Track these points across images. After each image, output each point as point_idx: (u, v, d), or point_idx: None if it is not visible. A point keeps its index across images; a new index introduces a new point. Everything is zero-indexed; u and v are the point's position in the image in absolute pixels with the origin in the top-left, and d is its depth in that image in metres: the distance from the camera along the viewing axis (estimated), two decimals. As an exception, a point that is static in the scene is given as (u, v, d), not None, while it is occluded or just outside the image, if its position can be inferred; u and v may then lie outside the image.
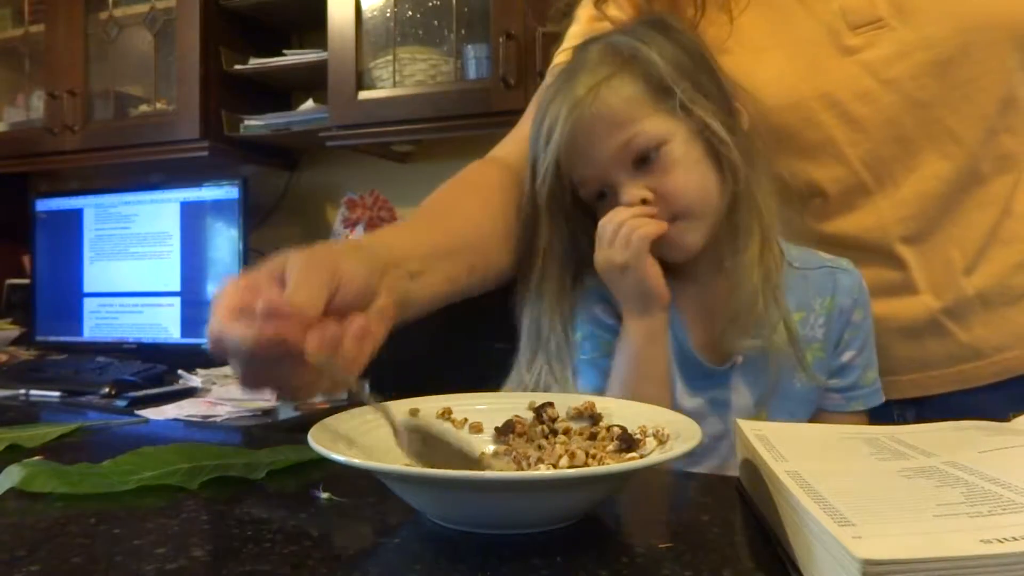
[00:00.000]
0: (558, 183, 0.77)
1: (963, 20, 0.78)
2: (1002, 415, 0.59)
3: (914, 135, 0.80)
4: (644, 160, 0.74)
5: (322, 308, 0.47)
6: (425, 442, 0.52)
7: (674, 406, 0.75)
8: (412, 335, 1.05)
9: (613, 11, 0.85)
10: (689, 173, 0.75)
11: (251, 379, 0.51)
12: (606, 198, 0.77)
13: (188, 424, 1.19)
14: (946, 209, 0.81)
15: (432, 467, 0.49)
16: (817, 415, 0.82)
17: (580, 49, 0.79)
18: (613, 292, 0.76)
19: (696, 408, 0.78)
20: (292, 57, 1.97)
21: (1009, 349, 0.81)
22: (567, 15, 0.90)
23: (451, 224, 0.74)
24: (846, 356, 0.80)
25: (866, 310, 0.81)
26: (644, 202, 0.74)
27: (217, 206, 1.98)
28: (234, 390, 1.52)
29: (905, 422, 0.83)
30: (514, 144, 0.87)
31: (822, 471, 0.43)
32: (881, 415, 0.81)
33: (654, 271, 0.73)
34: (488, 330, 1.05)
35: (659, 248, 0.74)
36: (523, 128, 0.88)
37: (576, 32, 0.88)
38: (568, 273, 0.80)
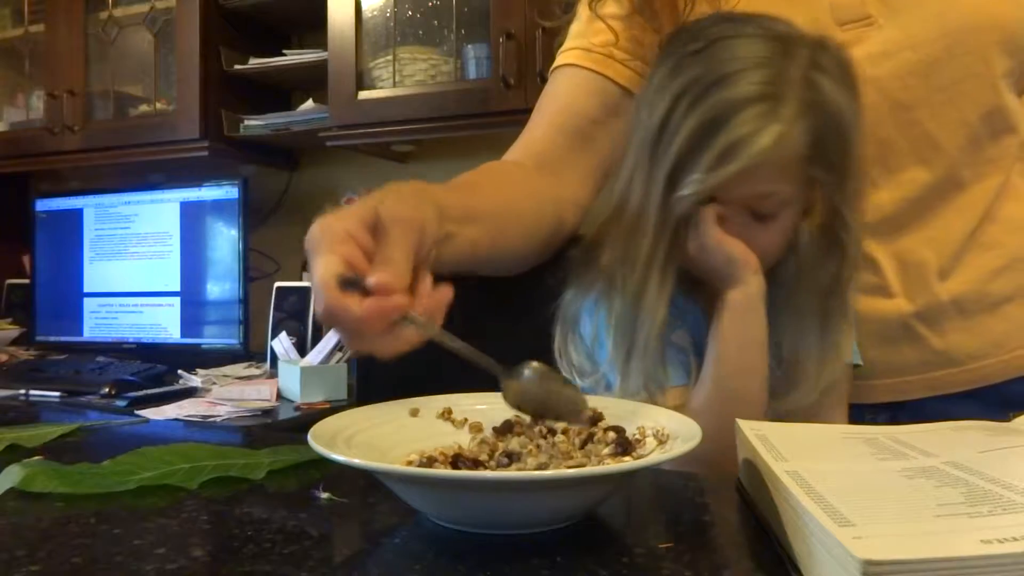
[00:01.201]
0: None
1: (950, 22, 0.77)
2: None
3: (894, 137, 0.79)
4: (763, 216, 0.71)
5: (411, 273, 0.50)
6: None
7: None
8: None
9: (611, 8, 0.84)
10: (782, 239, 0.73)
11: (357, 342, 0.52)
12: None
13: (188, 424, 1.19)
14: (922, 213, 0.80)
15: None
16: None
17: (779, 66, 0.69)
18: (706, 275, 0.74)
19: None
20: (292, 57, 1.97)
21: (985, 357, 0.80)
22: (567, 12, 0.89)
23: (474, 195, 0.74)
24: None
25: None
26: None
27: (217, 206, 1.98)
28: (234, 390, 1.53)
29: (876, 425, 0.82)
30: (520, 151, 0.86)
31: (822, 471, 0.43)
32: (853, 419, 0.80)
33: (733, 240, 0.71)
34: (488, 330, 1.05)
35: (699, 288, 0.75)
36: (532, 134, 0.86)
37: (578, 31, 0.87)
38: (668, 284, 0.74)
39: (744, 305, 0.72)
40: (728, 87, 0.68)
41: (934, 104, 0.78)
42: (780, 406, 0.74)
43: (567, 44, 0.87)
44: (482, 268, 0.73)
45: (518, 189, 0.80)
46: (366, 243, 0.52)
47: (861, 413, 0.82)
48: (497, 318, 1.04)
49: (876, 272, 0.81)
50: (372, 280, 0.48)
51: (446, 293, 0.54)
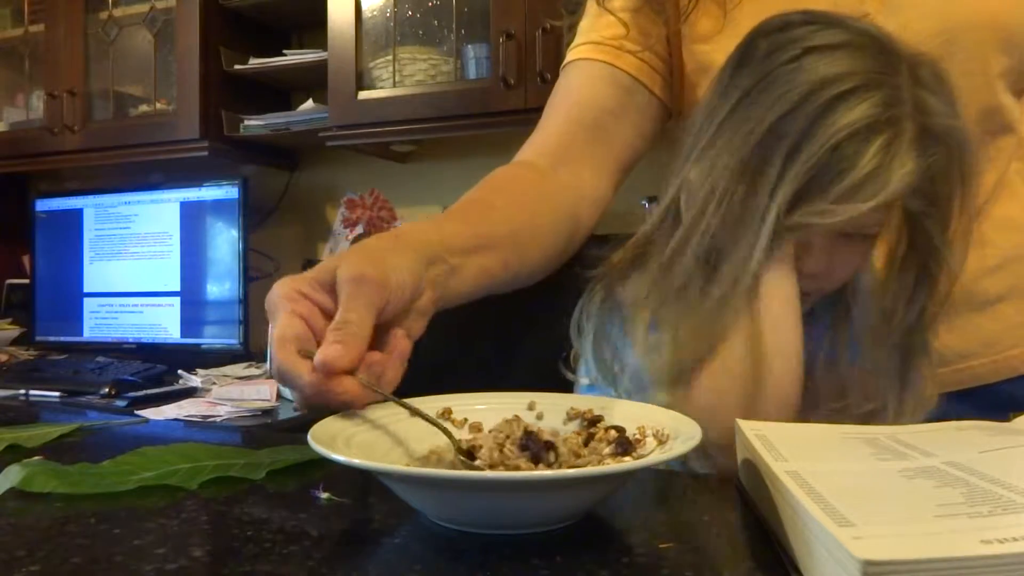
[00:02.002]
0: None
1: (949, 19, 0.76)
2: None
3: None
4: (849, 235, 0.67)
5: (371, 332, 0.51)
6: None
7: None
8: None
9: (619, 2, 0.84)
10: (861, 261, 0.70)
11: (308, 405, 0.54)
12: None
13: (188, 424, 1.19)
14: None
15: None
16: None
17: (890, 84, 0.63)
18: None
19: None
20: (292, 57, 1.97)
21: (975, 357, 0.79)
22: (573, 12, 0.89)
23: (485, 219, 0.72)
24: None
25: None
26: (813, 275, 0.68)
27: (217, 206, 1.98)
28: (234, 390, 1.53)
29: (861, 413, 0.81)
30: (534, 148, 0.85)
31: (822, 471, 0.43)
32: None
33: None
34: (488, 331, 1.05)
35: None
36: (547, 130, 0.85)
37: (587, 27, 0.86)
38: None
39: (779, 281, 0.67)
40: (843, 111, 0.62)
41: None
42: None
43: (577, 40, 0.87)
44: (499, 290, 0.72)
45: (533, 203, 0.78)
46: (323, 302, 0.53)
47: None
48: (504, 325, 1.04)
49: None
50: (317, 359, 0.50)
51: (403, 351, 0.54)
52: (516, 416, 0.61)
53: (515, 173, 0.82)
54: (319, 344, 0.51)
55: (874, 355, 0.70)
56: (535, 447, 0.51)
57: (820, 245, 0.67)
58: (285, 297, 0.53)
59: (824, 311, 0.76)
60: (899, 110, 0.62)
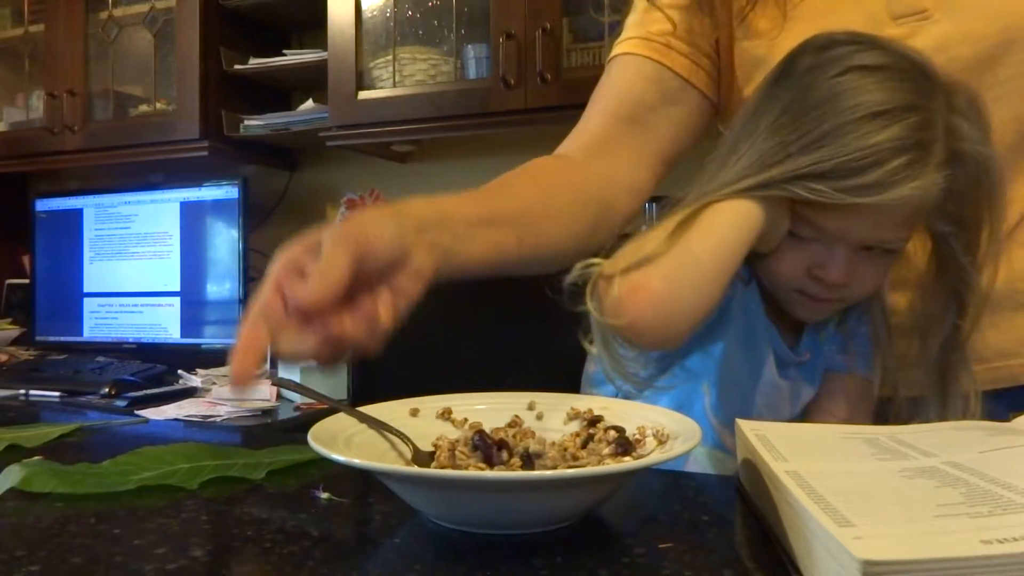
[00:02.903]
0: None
1: (1008, 17, 0.74)
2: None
3: None
4: (871, 247, 0.70)
5: (346, 282, 0.49)
6: None
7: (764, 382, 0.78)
8: (411, 335, 1.05)
9: None
10: (882, 277, 0.74)
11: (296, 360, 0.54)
12: (808, 241, 0.71)
13: (188, 424, 1.19)
14: None
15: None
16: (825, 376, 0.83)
17: (926, 110, 0.65)
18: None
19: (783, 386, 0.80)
20: (292, 57, 1.97)
21: (1013, 356, 0.79)
22: (619, 10, 0.90)
23: (497, 198, 0.72)
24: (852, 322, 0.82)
25: None
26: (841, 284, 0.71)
27: (217, 206, 1.98)
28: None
29: (901, 421, 0.82)
30: (572, 141, 0.84)
31: (822, 471, 0.43)
32: (877, 414, 0.80)
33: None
34: (487, 332, 1.05)
35: (798, 304, 0.74)
36: (586, 123, 0.84)
37: (635, 21, 0.86)
38: None
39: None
40: (877, 129, 0.63)
41: (986, 101, 0.76)
42: None
43: (624, 34, 0.86)
44: (519, 269, 0.70)
45: (553, 182, 0.78)
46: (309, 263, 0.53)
47: (884, 409, 0.80)
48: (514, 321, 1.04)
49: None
50: (289, 294, 0.51)
51: (383, 316, 0.52)
52: (516, 416, 0.61)
53: (542, 160, 0.81)
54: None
55: (907, 376, 0.73)
56: (486, 447, 0.51)
57: (843, 256, 0.69)
58: (278, 270, 0.54)
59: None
60: (931, 133, 0.64)
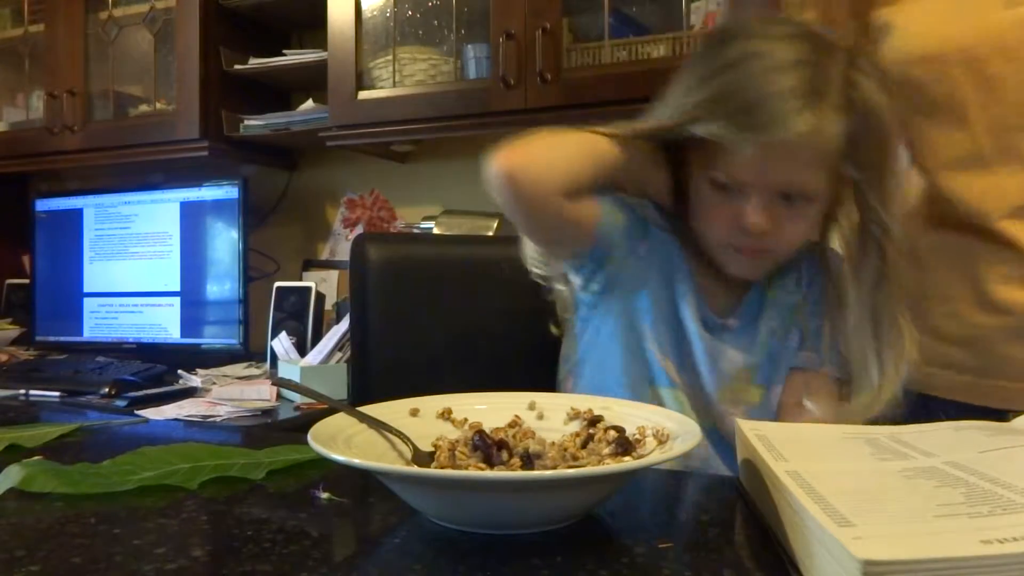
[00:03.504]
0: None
1: None
2: None
3: None
4: (789, 197, 0.77)
5: None
6: None
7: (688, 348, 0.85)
8: (411, 335, 1.05)
9: None
10: (809, 228, 0.81)
11: None
12: (726, 191, 0.79)
13: (188, 424, 1.19)
14: None
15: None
16: (789, 376, 0.87)
17: (822, 64, 0.73)
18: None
19: (700, 353, 0.85)
20: (292, 57, 1.97)
21: None
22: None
23: None
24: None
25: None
26: (764, 233, 0.77)
27: (217, 206, 1.98)
28: (234, 390, 1.53)
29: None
30: None
31: (822, 471, 0.43)
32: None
33: None
34: (485, 333, 1.05)
35: (730, 259, 0.82)
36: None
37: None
38: None
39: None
40: (776, 76, 0.72)
41: None
42: (846, 413, 0.78)
43: None
44: None
45: None
46: None
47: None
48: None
49: (1013, 250, 0.79)
50: None
51: None
52: (516, 416, 0.61)
53: None
54: None
55: (847, 321, 0.80)
56: (486, 447, 0.51)
57: (759, 201, 0.76)
58: None
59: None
60: (827, 83, 0.73)
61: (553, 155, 0.79)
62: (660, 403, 0.82)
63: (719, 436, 0.83)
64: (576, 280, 0.89)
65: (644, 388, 0.84)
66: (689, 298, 0.85)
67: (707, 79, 0.76)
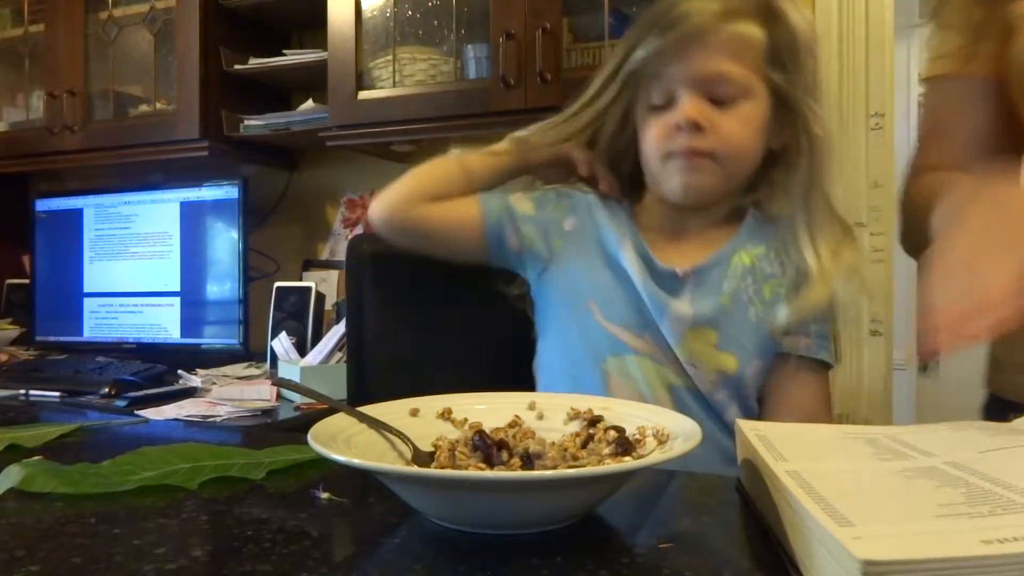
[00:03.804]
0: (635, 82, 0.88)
1: None
2: None
3: None
4: (721, 101, 0.83)
5: None
6: None
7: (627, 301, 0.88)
8: (410, 335, 1.05)
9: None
10: (746, 129, 0.84)
11: None
12: (665, 110, 0.85)
13: (188, 424, 1.19)
14: None
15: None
16: (778, 362, 0.88)
17: None
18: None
19: (649, 295, 0.87)
20: (292, 57, 1.97)
21: None
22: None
23: None
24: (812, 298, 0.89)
25: None
26: (698, 127, 0.82)
27: (217, 206, 1.98)
28: (234, 390, 1.53)
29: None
30: (942, 149, 0.85)
31: (822, 471, 0.43)
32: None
33: None
34: (484, 333, 1.05)
35: (675, 172, 0.85)
36: (953, 132, 0.85)
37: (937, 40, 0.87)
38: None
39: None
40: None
41: None
42: (797, 312, 0.85)
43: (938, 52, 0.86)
44: None
45: None
46: None
47: None
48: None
49: None
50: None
51: None
52: (516, 416, 0.61)
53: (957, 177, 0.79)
54: None
55: (790, 216, 0.87)
56: (486, 447, 0.51)
57: (689, 97, 0.83)
58: None
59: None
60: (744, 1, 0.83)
61: (409, 179, 0.94)
62: (624, 372, 0.86)
63: (697, 395, 0.86)
64: (520, 274, 0.97)
65: (594, 364, 0.87)
66: (628, 251, 0.89)
67: (638, 22, 0.88)
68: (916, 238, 0.77)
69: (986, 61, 0.81)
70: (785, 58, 0.84)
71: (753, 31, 0.83)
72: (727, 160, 0.85)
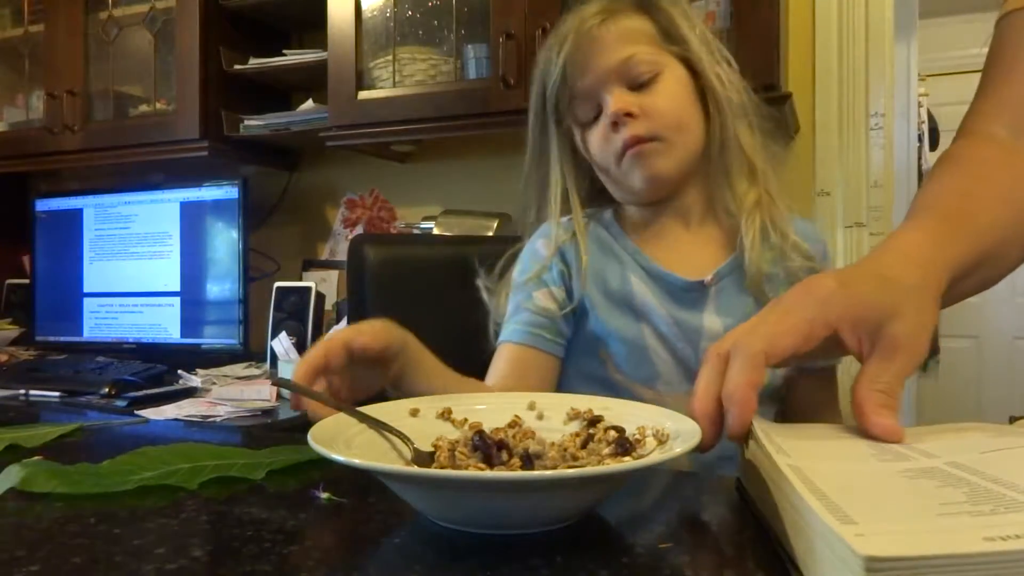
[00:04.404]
0: (559, 107, 0.91)
1: None
2: None
3: None
4: (640, 85, 0.85)
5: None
6: None
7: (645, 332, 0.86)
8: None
9: None
10: (674, 100, 0.86)
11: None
12: (599, 119, 0.87)
13: (188, 424, 1.19)
14: None
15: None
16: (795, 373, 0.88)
17: None
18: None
19: (669, 331, 0.86)
20: (292, 57, 1.97)
21: None
22: None
23: (976, 228, 0.63)
24: None
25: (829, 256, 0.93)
26: (629, 115, 0.84)
27: (217, 206, 1.98)
28: (234, 390, 1.52)
29: None
30: (997, 116, 0.73)
31: (824, 470, 0.43)
32: None
33: None
34: (484, 333, 1.05)
35: (631, 167, 0.86)
36: (1006, 94, 0.73)
37: None
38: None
39: None
40: (576, 11, 0.89)
41: None
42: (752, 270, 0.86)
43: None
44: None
45: (1016, 195, 0.68)
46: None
47: None
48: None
49: None
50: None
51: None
52: (516, 416, 0.61)
53: (985, 155, 0.71)
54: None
55: (715, 178, 0.90)
56: (486, 447, 0.51)
57: (611, 94, 0.85)
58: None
59: None
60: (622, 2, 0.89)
61: None
62: None
63: None
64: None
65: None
66: (637, 281, 0.88)
67: (538, 64, 0.93)
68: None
69: None
70: (671, 31, 0.87)
71: (637, 22, 0.87)
72: (671, 135, 0.85)
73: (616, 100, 0.84)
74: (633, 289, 0.88)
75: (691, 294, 0.87)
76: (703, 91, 0.88)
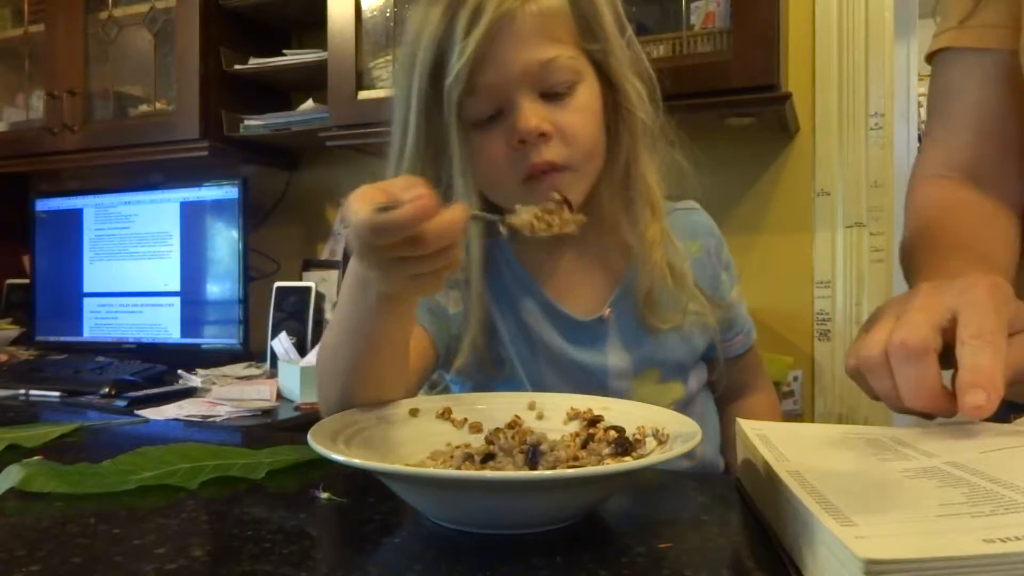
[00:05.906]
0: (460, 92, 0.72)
1: None
2: None
3: None
4: (553, 95, 0.72)
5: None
6: None
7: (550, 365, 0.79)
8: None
9: None
10: (588, 122, 0.74)
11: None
12: (496, 121, 0.73)
13: (188, 424, 1.19)
14: None
15: None
16: (720, 367, 0.87)
17: None
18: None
19: (580, 366, 0.79)
20: (292, 57, 1.97)
21: None
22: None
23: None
24: (734, 293, 0.88)
25: (725, 246, 0.87)
26: (543, 135, 0.71)
27: (217, 206, 1.98)
28: (234, 390, 1.53)
29: None
30: (946, 157, 0.76)
31: (823, 471, 0.43)
32: None
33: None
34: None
35: (534, 194, 0.70)
36: (956, 125, 0.76)
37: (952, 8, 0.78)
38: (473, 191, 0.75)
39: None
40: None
41: None
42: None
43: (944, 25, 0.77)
44: None
45: (1000, 244, 0.71)
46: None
47: None
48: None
49: None
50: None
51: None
52: (516, 416, 0.61)
53: (961, 199, 0.73)
54: None
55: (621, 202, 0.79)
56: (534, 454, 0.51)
57: (521, 104, 0.71)
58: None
59: None
60: None
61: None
62: None
63: None
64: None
65: None
66: (534, 310, 0.79)
67: (406, 56, 0.76)
68: (906, 263, 0.73)
69: (990, 31, 0.73)
70: (593, 24, 0.75)
71: (554, 3, 0.73)
72: (582, 163, 0.74)
73: (530, 113, 0.71)
74: (527, 319, 0.80)
75: (590, 332, 0.80)
76: (614, 104, 0.77)
